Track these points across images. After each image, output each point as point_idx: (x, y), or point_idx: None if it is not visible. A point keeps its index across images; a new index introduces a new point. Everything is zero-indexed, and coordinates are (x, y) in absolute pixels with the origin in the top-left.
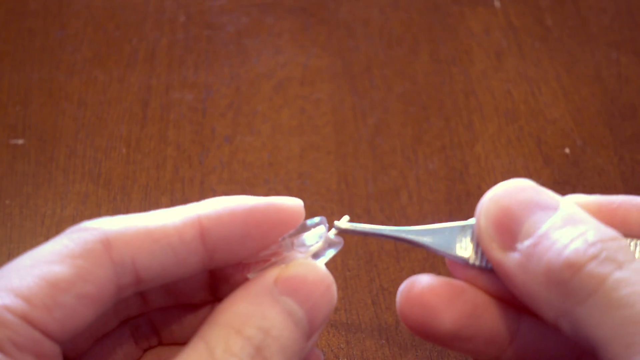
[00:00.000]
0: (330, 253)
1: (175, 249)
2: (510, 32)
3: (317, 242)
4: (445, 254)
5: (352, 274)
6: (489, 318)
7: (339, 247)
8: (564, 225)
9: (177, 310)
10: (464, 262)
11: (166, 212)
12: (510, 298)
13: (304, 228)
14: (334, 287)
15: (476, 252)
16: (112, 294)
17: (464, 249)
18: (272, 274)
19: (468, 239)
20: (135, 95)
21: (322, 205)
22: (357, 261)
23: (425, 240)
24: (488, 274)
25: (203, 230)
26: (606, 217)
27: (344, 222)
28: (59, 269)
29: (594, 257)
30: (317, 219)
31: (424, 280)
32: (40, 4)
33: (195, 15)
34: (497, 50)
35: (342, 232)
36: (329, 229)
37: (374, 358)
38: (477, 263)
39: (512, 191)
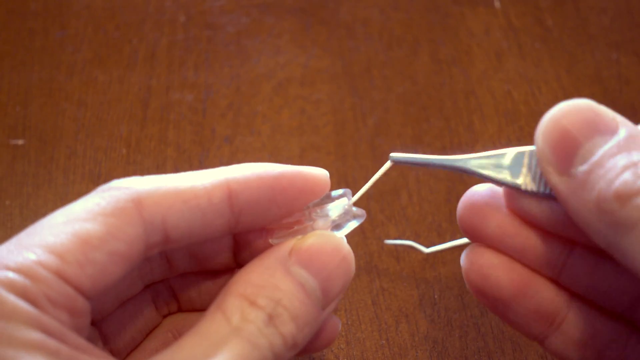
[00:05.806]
0: (353, 225)
1: (203, 210)
2: (510, 32)
3: (339, 213)
4: (499, 180)
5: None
6: (536, 235)
7: (362, 220)
8: (618, 152)
9: (197, 277)
10: (517, 189)
11: (196, 174)
12: (562, 228)
13: (329, 199)
14: (350, 257)
15: (533, 179)
16: (141, 252)
17: (518, 176)
18: (288, 244)
19: (522, 165)
20: (135, 96)
21: None
22: (357, 261)
23: (478, 167)
24: (541, 201)
25: (231, 193)
26: None
27: (399, 154)
28: (91, 227)
29: None
30: (341, 191)
31: (481, 190)
32: (41, 4)
33: (195, 16)
34: (497, 51)
35: (397, 164)
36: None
37: (374, 358)
38: (530, 189)
39: (571, 112)
